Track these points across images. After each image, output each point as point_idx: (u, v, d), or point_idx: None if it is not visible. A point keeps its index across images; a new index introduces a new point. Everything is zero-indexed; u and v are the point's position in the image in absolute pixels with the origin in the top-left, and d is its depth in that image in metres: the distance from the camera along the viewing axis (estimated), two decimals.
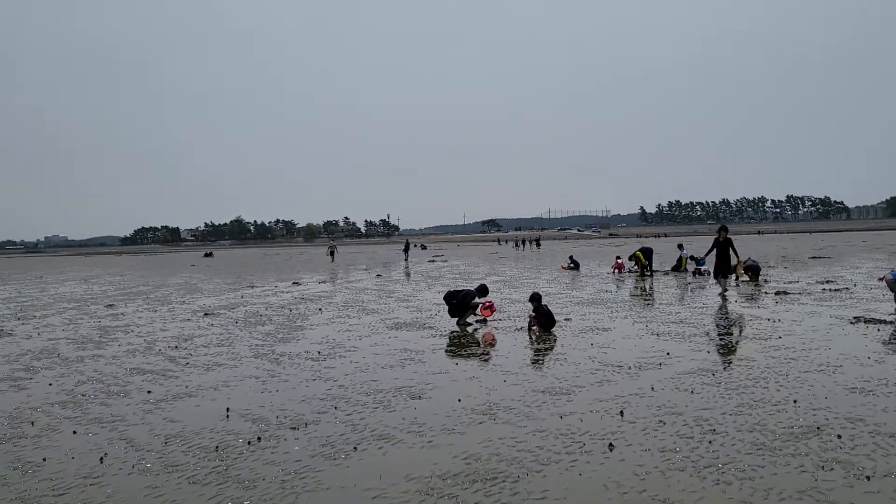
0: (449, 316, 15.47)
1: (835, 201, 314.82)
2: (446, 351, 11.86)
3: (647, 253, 30.04)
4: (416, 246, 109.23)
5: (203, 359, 11.69)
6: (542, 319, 13.69)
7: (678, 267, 31.04)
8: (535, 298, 14.13)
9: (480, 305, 15.30)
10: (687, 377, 9.01)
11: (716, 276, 20.02)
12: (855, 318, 13.96)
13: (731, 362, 9.88)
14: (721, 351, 10.86)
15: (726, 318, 14.73)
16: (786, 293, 19.31)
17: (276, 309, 19.88)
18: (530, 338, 13.00)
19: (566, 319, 15.16)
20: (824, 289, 20.26)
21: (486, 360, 10.73)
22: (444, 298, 15.64)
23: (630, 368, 9.68)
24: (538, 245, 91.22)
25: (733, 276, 22.35)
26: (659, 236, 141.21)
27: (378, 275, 36.75)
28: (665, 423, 6.92)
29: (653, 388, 8.44)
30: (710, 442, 6.28)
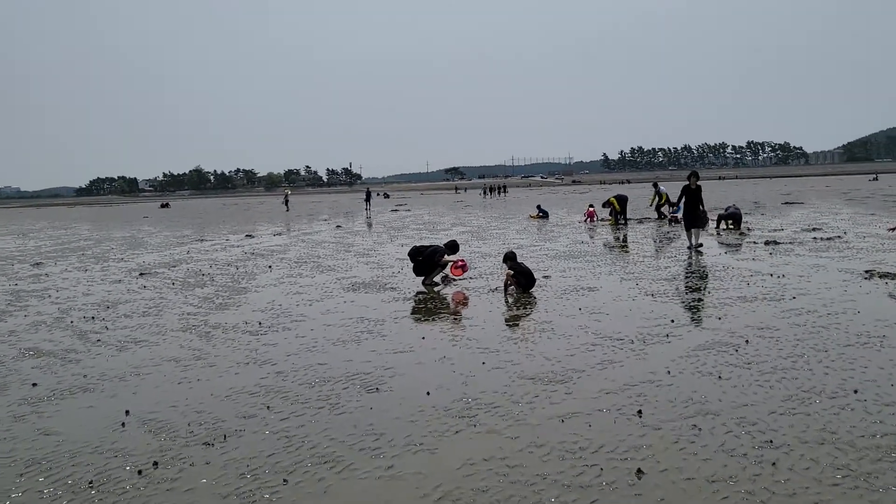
0: (414, 274, 13.68)
1: (794, 147, 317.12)
2: (411, 319, 10.10)
3: (622, 200, 28.40)
4: (378, 195, 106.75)
5: (119, 334, 9.78)
6: (521, 279, 11.96)
7: (656, 206, 29.10)
8: (511, 257, 12.37)
9: (451, 264, 13.52)
10: (705, 355, 7.36)
11: (688, 229, 17.90)
12: (867, 272, 12.47)
13: (751, 333, 8.24)
14: (734, 317, 9.24)
15: (724, 273, 13.13)
16: (776, 243, 17.83)
17: (221, 267, 17.91)
18: (506, 301, 11.29)
19: (545, 277, 13.47)
20: (815, 238, 18.84)
21: (459, 333, 8.98)
22: (409, 255, 13.83)
23: (633, 342, 8.01)
24: (505, 192, 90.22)
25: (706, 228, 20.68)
26: (623, 182, 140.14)
27: (338, 226, 34.76)
28: (701, 430, 5.24)
29: (669, 372, 6.77)
30: (773, 464, 4.60)
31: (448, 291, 12.59)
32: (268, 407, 6.21)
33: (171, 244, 26.97)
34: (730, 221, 23.11)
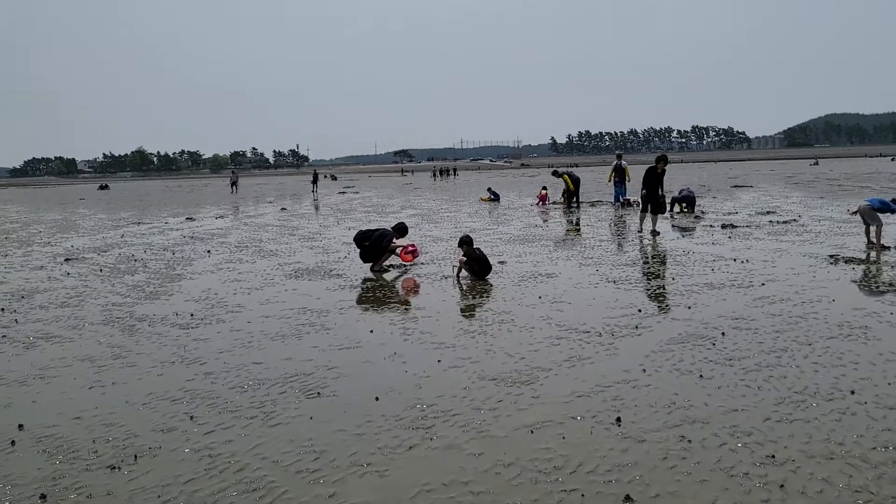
0: (361, 261, 12.84)
1: (737, 132, 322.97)
2: (359, 309, 9.29)
3: (576, 181, 27.67)
4: (325, 177, 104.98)
5: (30, 328, 8.76)
6: (476, 265, 11.23)
7: (621, 180, 27.39)
8: (466, 242, 11.62)
9: (400, 249, 12.72)
10: (681, 349, 6.72)
11: (653, 213, 17.06)
12: (831, 256, 12.07)
13: (726, 324, 7.65)
14: (703, 305, 8.65)
15: (686, 258, 12.60)
16: (733, 227, 17.47)
17: (156, 251, 16.80)
18: (460, 288, 10.57)
19: (500, 262, 12.77)
20: (771, 221, 18.55)
21: (410, 325, 8.19)
22: (355, 240, 12.98)
23: (601, 335, 7.34)
24: (455, 174, 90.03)
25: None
26: (571, 166, 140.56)
27: (283, 208, 33.60)
28: (692, 443, 4.58)
29: (644, 370, 6.11)
30: (781, 487, 3.95)
31: (398, 279, 11.81)
32: (191, 417, 5.35)
33: (105, 227, 25.57)
34: (684, 204, 22.76)
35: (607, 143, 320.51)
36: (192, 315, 9.12)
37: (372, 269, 12.57)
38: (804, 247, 13.43)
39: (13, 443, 5.00)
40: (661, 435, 4.70)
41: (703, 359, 6.38)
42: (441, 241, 16.99)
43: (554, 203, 29.50)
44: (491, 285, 10.61)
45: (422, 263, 13.12)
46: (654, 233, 16.72)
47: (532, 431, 4.85)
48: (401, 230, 13.00)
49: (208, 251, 16.39)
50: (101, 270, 13.76)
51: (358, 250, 12.89)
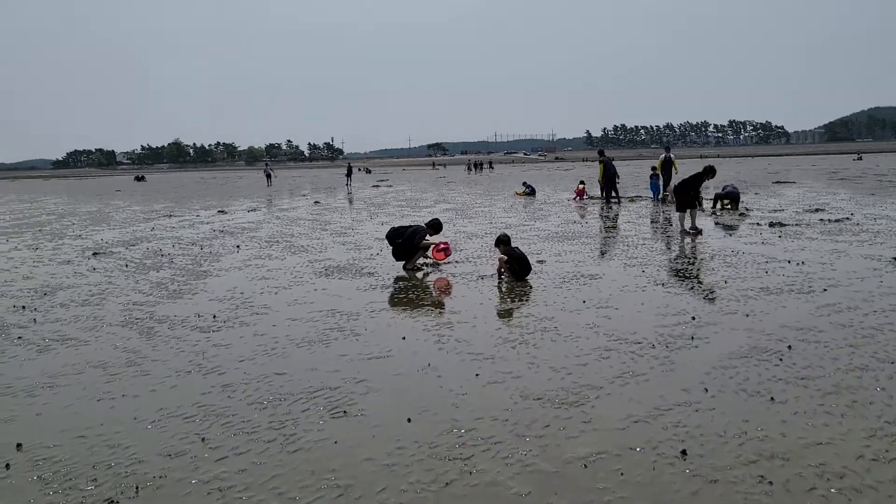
0: (393, 258, 12.29)
1: (775, 126, 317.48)
2: (390, 312, 8.73)
3: (610, 175, 26.46)
4: (359, 170, 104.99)
5: (47, 329, 8.35)
6: (515, 265, 10.63)
7: (667, 174, 25.51)
8: (503, 241, 11.01)
9: (433, 247, 12.15)
10: (744, 365, 6.06)
11: (688, 209, 16.03)
12: (894, 258, 11.26)
13: (791, 336, 6.96)
14: (763, 313, 7.95)
15: (736, 259, 11.87)
16: (781, 225, 16.63)
17: (185, 246, 16.44)
18: (499, 289, 9.99)
19: (539, 262, 12.15)
20: (822, 219, 17.65)
21: (445, 332, 7.62)
22: (387, 237, 12.44)
23: (654, 346, 6.71)
24: (491, 167, 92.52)
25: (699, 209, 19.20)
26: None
27: (316, 202, 33.22)
28: (773, 486, 3.94)
29: (706, 390, 5.47)
30: None
31: (431, 278, 11.25)
32: (203, 439, 4.83)
33: (137, 220, 25.38)
34: (727, 201, 21.88)
35: (643, 137, 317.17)
36: (214, 317, 8.65)
37: (404, 268, 12.03)
38: (863, 248, 12.61)
39: (7, 466, 4.52)
40: (735, 474, 4.07)
41: (771, 377, 5.72)
42: (475, 237, 16.39)
43: (591, 198, 28.75)
44: (530, 287, 10.00)
45: (456, 262, 12.54)
46: (694, 230, 15.95)
47: (585, 466, 4.25)
48: (435, 226, 12.43)
49: (237, 246, 15.98)
50: (126, 266, 13.39)
51: (390, 247, 12.35)
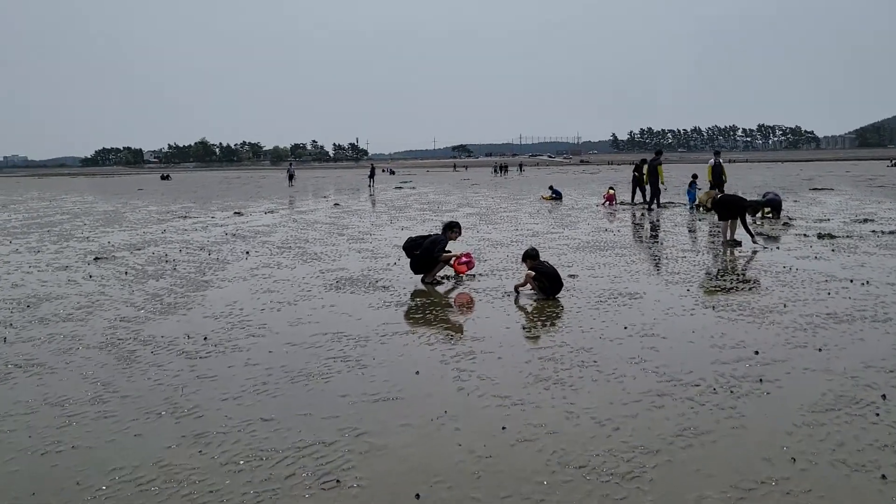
0: (411, 270, 11.24)
1: (805, 131, 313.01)
2: (403, 337, 7.66)
3: (652, 178, 24.93)
4: (384, 171, 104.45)
5: (16, 350, 7.37)
6: (545, 281, 9.53)
7: (719, 181, 23.84)
8: (531, 256, 9.93)
9: (454, 258, 11.08)
10: (833, 422, 4.93)
11: (729, 219, 14.98)
12: None
13: (882, 380, 5.80)
14: (838, 348, 6.80)
15: (791, 277, 10.69)
16: (831, 237, 15.38)
17: (192, 251, 15.51)
18: (517, 303, 8.94)
19: (571, 276, 11.06)
20: (874, 231, 16.38)
21: (466, 365, 6.53)
22: (404, 248, 11.37)
23: (716, 392, 5.58)
24: (521, 170, 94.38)
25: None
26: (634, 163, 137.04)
27: (336, 204, 32.27)
28: None
29: (794, 461, 4.34)
30: None
31: (452, 294, 10.19)
32: None
33: (151, 221, 24.57)
34: (768, 209, 20.59)
35: (670, 141, 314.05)
36: (205, 339, 7.63)
37: (423, 281, 10.98)
38: None
39: None
40: None
41: (872, 442, 4.58)
42: (501, 245, 15.30)
43: (622, 203, 27.57)
44: (562, 307, 8.90)
45: (479, 275, 11.47)
46: (734, 242, 14.77)
47: None
48: (452, 226, 11.47)
49: (247, 252, 15.02)
50: (125, 273, 12.45)
51: (408, 259, 11.30)
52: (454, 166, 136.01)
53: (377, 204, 31.93)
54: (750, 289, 9.92)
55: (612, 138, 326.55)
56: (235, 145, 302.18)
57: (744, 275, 11.09)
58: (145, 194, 49.04)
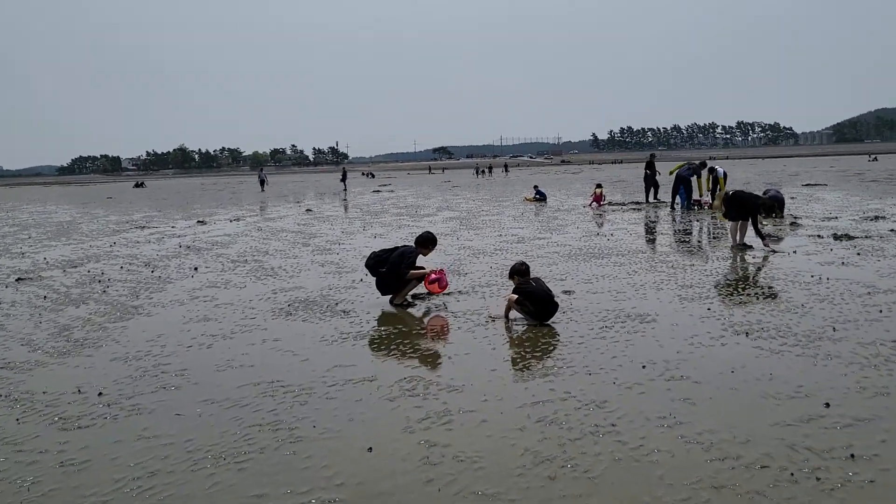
0: (378, 291, 9.48)
1: (784, 127, 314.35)
2: (356, 387, 5.89)
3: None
4: (364, 174, 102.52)
5: None
6: (531, 305, 7.78)
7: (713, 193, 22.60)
8: (518, 272, 8.15)
9: (425, 277, 9.28)
10: None
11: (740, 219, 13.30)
12: None
13: None
14: None
15: (825, 289, 9.04)
16: (849, 237, 13.80)
17: (135, 268, 13.68)
18: (510, 335, 7.22)
19: (566, 292, 9.36)
20: (893, 230, 14.82)
21: (438, 435, 4.79)
22: (368, 266, 9.59)
23: (795, 480, 3.88)
24: (506, 171, 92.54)
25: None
26: (615, 162, 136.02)
27: (308, 209, 30.40)
28: None
29: None
30: None
31: (425, 317, 8.45)
32: None
33: (105, 232, 22.61)
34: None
35: (650, 139, 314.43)
36: (99, 395, 5.84)
37: (392, 303, 9.23)
38: None
39: None
40: None
41: None
42: (483, 254, 13.58)
43: (611, 204, 25.97)
44: (558, 336, 7.18)
45: (459, 292, 9.75)
46: (744, 246, 13.15)
47: None
48: (424, 242, 9.55)
49: (195, 268, 13.20)
50: (44, 298, 10.61)
51: (373, 278, 9.53)
52: (429, 169, 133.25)
53: (351, 209, 30.12)
54: (783, 306, 8.24)
55: (592, 138, 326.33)
56: (215, 151, 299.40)
57: (770, 287, 9.41)
58: (112, 203, 46.89)
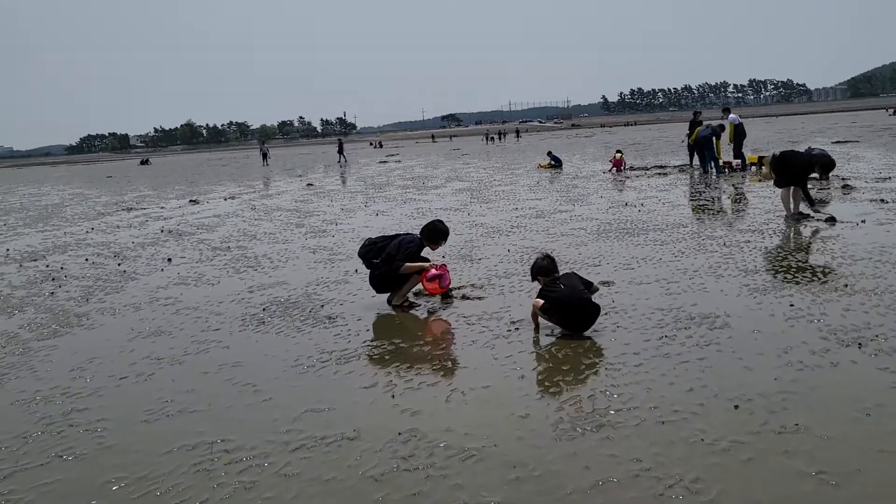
0: (372, 289, 7.69)
1: (797, 84, 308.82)
2: (330, 451, 4.15)
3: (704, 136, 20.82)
4: (372, 144, 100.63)
5: None
6: (562, 313, 5.94)
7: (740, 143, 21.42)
8: (542, 270, 6.30)
9: (423, 272, 7.40)
10: None
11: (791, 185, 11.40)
12: None
13: None
14: None
15: None
16: None
17: (103, 260, 12.02)
18: (537, 348, 5.43)
19: (604, 283, 7.58)
20: None
21: None
22: (361, 255, 7.79)
23: None
24: (517, 136, 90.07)
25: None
26: (628, 125, 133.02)
27: (309, 184, 28.60)
28: None
29: None
30: None
31: (428, 322, 6.69)
32: None
33: (87, 216, 20.92)
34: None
35: (660, 101, 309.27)
36: None
37: (390, 302, 7.47)
38: None
39: None
40: None
41: None
42: (498, 233, 11.80)
43: (632, 169, 24.04)
44: (605, 358, 5.40)
45: (472, 286, 7.98)
46: (800, 216, 11.30)
47: None
48: (432, 235, 7.66)
49: (168, 260, 11.51)
50: None
51: (368, 271, 7.75)
52: (433, 137, 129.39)
53: (355, 182, 28.28)
54: (888, 299, 6.39)
55: (602, 101, 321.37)
56: (222, 126, 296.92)
57: (856, 271, 7.56)
58: (110, 183, 45.21)
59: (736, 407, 4.28)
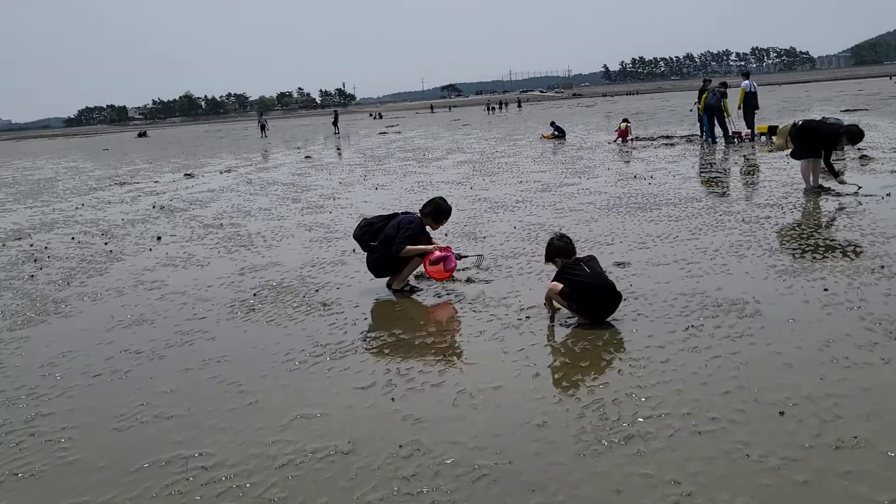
0: (370, 273, 7.15)
1: (800, 52, 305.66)
2: (328, 468, 3.66)
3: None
4: (371, 115, 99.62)
5: None
6: (581, 299, 5.43)
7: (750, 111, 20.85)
8: (559, 251, 5.73)
9: (426, 256, 6.85)
10: None
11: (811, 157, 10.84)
12: None
13: None
14: None
15: None
16: None
17: (89, 238, 11.51)
18: (552, 341, 4.92)
19: (618, 264, 7.07)
20: None
21: None
22: (356, 237, 7.23)
23: None
24: (519, 106, 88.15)
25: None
26: (629, 94, 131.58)
27: (307, 156, 27.97)
28: None
29: None
30: None
31: (432, 311, 6.18)
32: None
33: (79, 191, 20.34)
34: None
35: (662, 69, 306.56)
36: None
37: (389, 286, 6.95)
38: None
39: None
40: None
41: None
42: (503, 209, 11.26)
43: (638, 139, 23.40)
44: (626, 352, 4.89)
45: (479, 268, 7.44)
46: (820, 189, 10.75)
47: None
48: (434, 214, 7.10)
49: (158, 238, 10.99)
50: None
51: (364, 253, 7.22)
52: (431, 108, 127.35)
53: (354, 154, 27.63)
54: None
55: (603, 70, 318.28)
56: (221, 97, 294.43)
57: (890, 250, 7.03)
58: (106, 155, 44.50)
59: (781, 413, 3.77)
